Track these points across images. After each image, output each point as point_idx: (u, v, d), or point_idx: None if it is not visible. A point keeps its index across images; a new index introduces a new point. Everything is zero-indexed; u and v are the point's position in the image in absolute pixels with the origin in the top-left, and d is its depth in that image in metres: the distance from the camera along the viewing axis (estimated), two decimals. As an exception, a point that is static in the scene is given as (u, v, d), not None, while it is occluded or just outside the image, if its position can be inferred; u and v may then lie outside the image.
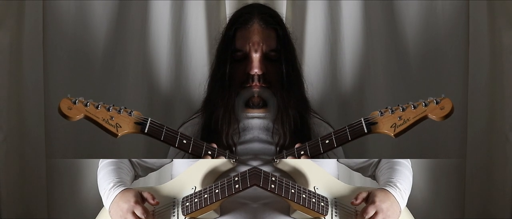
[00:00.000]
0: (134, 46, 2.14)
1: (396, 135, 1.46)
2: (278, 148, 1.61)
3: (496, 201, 2.16)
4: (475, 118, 2.13)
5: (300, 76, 1.73)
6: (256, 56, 1.60)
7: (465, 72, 2.12)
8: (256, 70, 1.60)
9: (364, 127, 1.47)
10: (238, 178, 1.43)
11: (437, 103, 1.44)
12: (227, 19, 1.72)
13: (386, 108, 1.48)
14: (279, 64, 1.63)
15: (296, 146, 1.53)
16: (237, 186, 1.42)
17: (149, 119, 1.50)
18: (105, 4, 2.13)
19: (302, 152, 1.51)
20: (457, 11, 2.12)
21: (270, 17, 1.66)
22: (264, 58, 1.61)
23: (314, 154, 1.50)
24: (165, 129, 1.50)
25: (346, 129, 1.49)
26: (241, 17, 1.66)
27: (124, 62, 2.14)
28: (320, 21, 2.16)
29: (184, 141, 1.50)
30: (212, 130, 1.63)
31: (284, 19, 1.73)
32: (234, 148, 1.61)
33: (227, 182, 1.44)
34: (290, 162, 1.53)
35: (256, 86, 1.61)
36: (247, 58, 1.62)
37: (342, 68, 2.16)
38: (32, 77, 2.10)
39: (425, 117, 1.45)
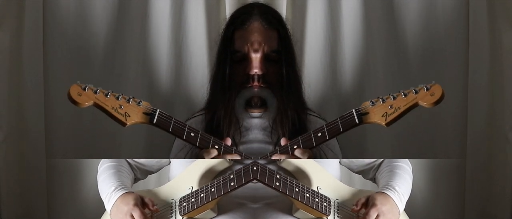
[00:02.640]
0: (134, 46, 2.14)
1: (388, 124, 1.46)
2: (277, 148, 1.61)
3: (496, 201, 2.16)
4: (475, 118, 2.13)
5: (299, 78, 1.73)
6: (256, 56, 1.60)
7: (465, 72, 2.12)
8: (256, 70, 1.60)
9: (355, 117, 1.48)
10: (234, 175, 1.43)
11: (427, 89, 1.44)
12: (227, 18, 1.72)
13: (377, 98, 1.49)
14: (280, 65, 1.63)
15: (282, 142, 1.52)
16: (232, 183, 1.43)
17: (158, 110, 1.51)
18: (105, 4, 2.13)
19: (295, 147, 1.51)
20: (457, 11, 2.12)
21: (273, 18, 1.66)
22: (265, 58, 1.61)
23: (307, 147, 1.50)
24: (174, 121, 1.50)
25: (337, 121, 1.49)
26: (239, 18, 1.66)
27: (124, 62, 2.14)
28: (320, 21, 2.16)
29: (192, 134, 1.50)
30: (215, 131, 1.63)
31: (284, 19, 1.72)
32: (235, 148, 1.61)
33: (222, 180, 1.44)
34: (294, 161, 1.53)
35: (256, 86, 1.61)
36: (246, 59, 1.61)
37: (342, 68, 2.16)
38: (32, 77, 2.10)
39: (416, 105, 1.45)
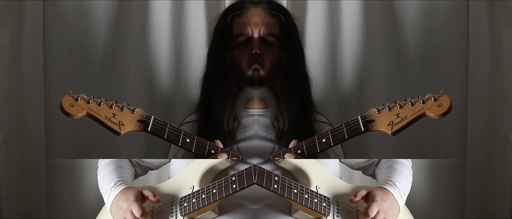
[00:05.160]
0: (134, 46, 2.14)
1: (394, 133, 1.45)
2: (276, 146, 1.60)
3: (496, 201, 2.16)
4: (475, 118, 2.13)
5: (306, 76, 1.71)
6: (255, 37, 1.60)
7: (465, 72, 2.12)
8: (255, 50, 1.59)
9: (361, 125, 1.46)
10: (236, 177, 1.43)
11: (435, 100, 1.43)
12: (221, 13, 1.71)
13: (383, 105, 1.47)
14: (278, 52, 1.62)
15: (292, 144, 1.51)
16: (234, 186, 1.42)
17: (152, 117, 1.50)
18: (105, 4, 2.13)
19: (299, 151, 1.50)
20: (457, 11, 2.12)
21: (275, 5, 1.65)
22: (262, 41, 1.60)
23: (311, 153, 1.49)
24: (169, 128, 1.49)
25: (342, 128, 1.48)
26: (237, 5, 1.65)
27: (124, 62, 2.14)
28: (320, 21, 2.16)
29: (188, 140, 1.50)
30: (213, 130, 1.62)
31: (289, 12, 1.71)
32: (235, 146, 1.60)
33: (224, 182, 1.44)
34: (293, 160, 1.52)
35: (255, 68, 1.61)
36: (250, 42, 1.61)
37: (342, 68, 2.16)
38: (32, 77, 2.10)
39: (423, 115, 1.43)
